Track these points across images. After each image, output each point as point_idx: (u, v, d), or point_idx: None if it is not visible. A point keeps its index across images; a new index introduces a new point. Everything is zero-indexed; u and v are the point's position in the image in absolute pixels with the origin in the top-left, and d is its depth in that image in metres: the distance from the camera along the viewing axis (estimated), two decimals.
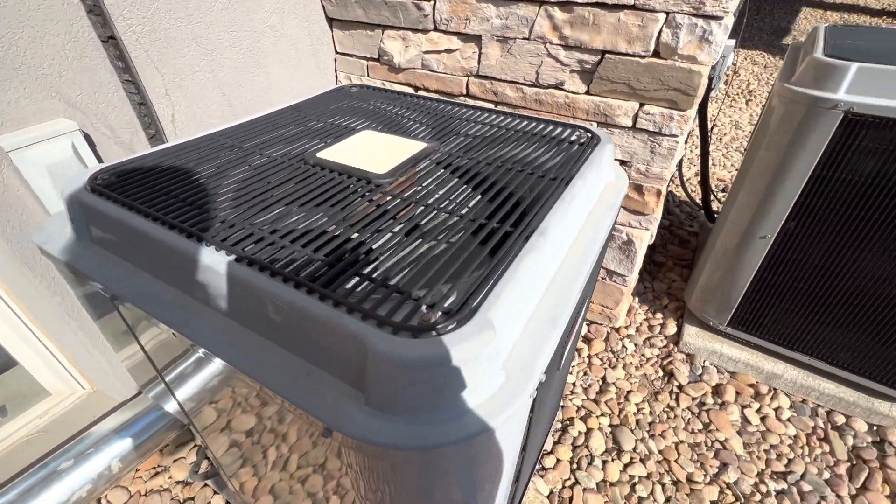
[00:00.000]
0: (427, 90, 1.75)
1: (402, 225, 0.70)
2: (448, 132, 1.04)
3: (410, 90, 1.80)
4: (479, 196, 0.78)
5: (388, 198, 0.77)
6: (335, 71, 1.96)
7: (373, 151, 0.90)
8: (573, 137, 1.01)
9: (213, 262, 0.60)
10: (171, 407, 1.29)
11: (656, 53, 1.28)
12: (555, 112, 1.50)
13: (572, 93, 1.45)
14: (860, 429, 1.61)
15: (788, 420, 1.64)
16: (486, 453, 0.52)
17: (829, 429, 1.62)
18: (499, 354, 0.53)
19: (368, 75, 1.88)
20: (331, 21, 1.83)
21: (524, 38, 1.43)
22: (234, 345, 0.59)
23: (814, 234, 1.42)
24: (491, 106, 1.64)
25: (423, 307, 0.53)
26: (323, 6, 1.78)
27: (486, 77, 1.58)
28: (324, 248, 0.63)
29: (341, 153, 0.89)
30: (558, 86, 1.46)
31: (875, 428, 1.61)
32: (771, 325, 1.66)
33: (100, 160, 1.25)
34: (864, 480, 1.47)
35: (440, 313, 0.53)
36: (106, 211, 0.71)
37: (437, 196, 0.78)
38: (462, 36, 1.55)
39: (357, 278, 0.57)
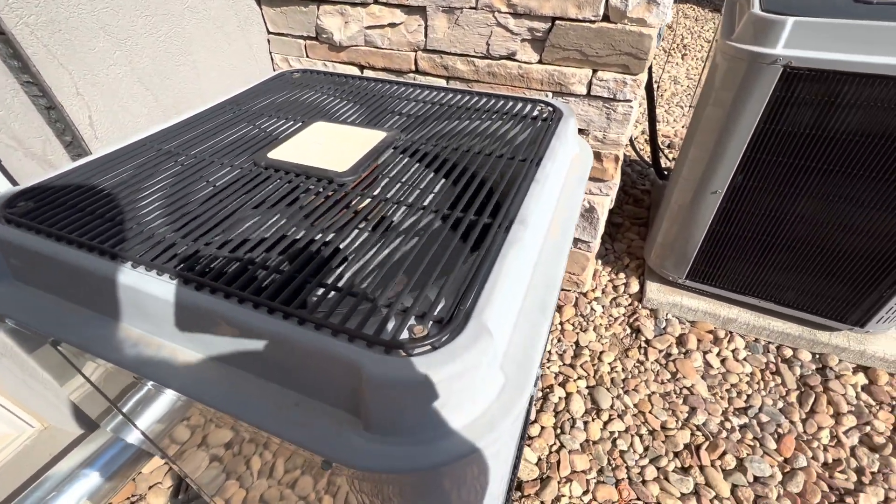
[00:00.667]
0: (373, 68, 1.66)
1: (372, 227, 0.65)
2: (405, 117, 0.98)
3: (356, 70, 1.69)
4: (450, 186, 0.74)
5: (355, 198, 0.72)
6: (270, 53, 1.81)
7: (329, 146, 0.83)
8: (535, 113, 0.98)
9: (162, 290, 0.53)
10: (134, 437, 1.20)
11: (606, 18, 1.26)
12: (509, 84, 1.47)
13: (525, 63, 1.41)
14: (805, 359, 1.76)
15: (744, 359, 1.77)
16: (494, 456, 0.50)
17: (779, 362, 1.76)
18: (496, 357, 0.51)
19: (307, 56, 1.75)
20: None
21: (471, 8, 1.37)
22: (203, 381, 0.54)
23: (760, 186, 1.50)
24: (443, 82, 1.57)
25: (413, 319, 0.50)
26: None
27: (434, 51, 1.51)
28: (290, 261, 0.58)
29: (295, 151, 0.82)
30: (510, 56, 1.42)
31: (818, 356, 1.77)
32: (725, 274, 1.76)
33: (11, 180, 1.10)
34: (812, 404, 1.63)
35: (431, 323, 0.50)
36: (27, 244, 0.62)
37: (405, 191, 0.73)
38: (405, 8, 1.47)
39: (334, 292, 0.53)
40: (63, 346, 0.66)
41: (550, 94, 1.44)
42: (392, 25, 1.52)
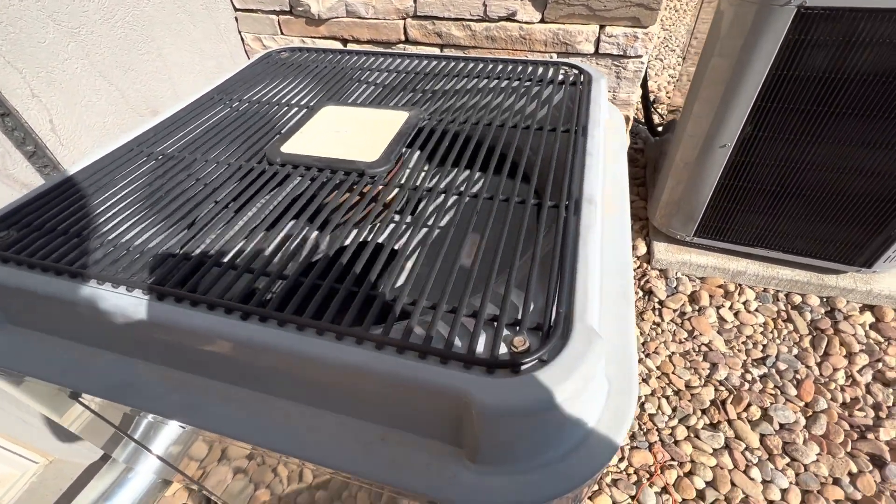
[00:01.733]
0: (358, 41, 1.53)
1: (427, 224, 0.58)
2: (419, 92, 0.88)
3: (338, 45, 1.56)
4: (494, 167, 0.67)
5: (393, 191, 0.64)
6: (239, 32, 1.65)
7: (349, 133, 0.74)
8: (560, 77, 0.90)
9: (201, 323, 0.45)
10: (149, 464, 1.13)
11: None
12: (510, 48, 1.37)
13: (526, 23, 1.31)
14: (814, 304, 1.79)
15: (756, 310, 1.79)
16: (605, 465, 0.45)
17: (789, 309, 1.79)
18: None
19: (282, 32, 1.60)
20: None
21: None
22: (262, 423, 0.46)
23: (771, 136, 1.46)
24: (436, 51, 1.46)
25: (504, 330, 0.44)
26: None
27: (425, 17, 1.39)
28: (342, 275, 0.50)
29: (310, 141, 0.72)
30: (510, 17, 1.31)
31: (826, 300, 1.80)
32: (735, 227, 1.74)
33: None
34: (825, 347, 1.66)
35: (526, 332, 0.43)
36: (24, 283, 0.52)
37: (446, 178, 0.65)
38: None
39: (411, 304, 0.46)
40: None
41: (555, 56, 1.35)
42: None
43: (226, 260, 0.52)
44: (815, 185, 1.52)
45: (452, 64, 0.98)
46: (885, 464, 1.38)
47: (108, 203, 0.64)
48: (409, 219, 0.59)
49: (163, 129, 0.80)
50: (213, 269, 0.51)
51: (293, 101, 0.87)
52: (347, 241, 0.55)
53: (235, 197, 0.64)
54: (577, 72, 0.91)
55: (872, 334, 1.70)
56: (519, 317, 0.45)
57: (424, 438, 0.44)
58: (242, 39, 1.66)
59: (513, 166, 0.66)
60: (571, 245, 0.51)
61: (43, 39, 1.08)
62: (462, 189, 0.62)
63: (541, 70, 0.93)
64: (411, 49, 1.48)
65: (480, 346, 0.43)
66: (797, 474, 1.38)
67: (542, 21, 1.30)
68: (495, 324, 0.44)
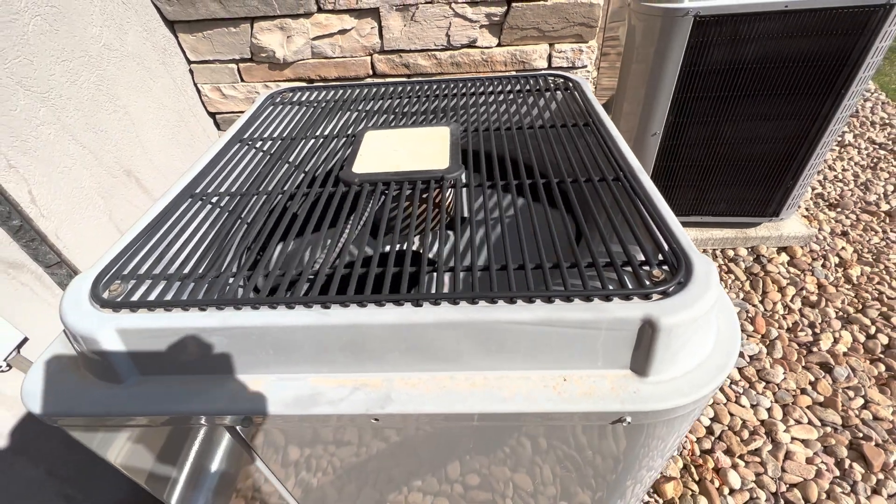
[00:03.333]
0: (325, 80, 1.59)
1: (530, 202, 0.67)
2: (440, 112, 0.98)
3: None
4: (549, 160, 0.78)
5: (483, 187, 0.72)
6: (195, 85, 1.62)
7: (406, 150, 0.81)
8: (552, 85, 1.05)
9: (392, 317, 0.50)
10: None
11: None
12: (474, 70, 1.52)
13: (486, 48, 1.48)
14: (744, 254, 2.14)
15: None
16: (731, 368, 0.56)
17: (727, 262, 2.11)
18: None
19: (242, 80, 1.61)
20: (172, 25, 1.49)
21: (427, 3, 1.39)
22: (457, 396, 0.51)
23: (690, 121, 1.77)
24: (405, 79, 1.57)
25: (640, 269, 0.54)
26: (157, 8, 1.43)
27: (392, 51, 1.50)
28: (491, 252, 0.57)
29: (373, 161, 0.78)
30: (472, 44, 1.47)
31: (751, 249, 2.16)
32: (674, 202, 2.04)
33: None
34: (762, 287, 1.98)
35: (657, 265, 0.54)
36: (163, 325, 0.52)
37: (512, 174, 0.75)
38: (355, 12, 1.43)
39: (570, 265, 0.54)
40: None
41: (514, 73, 1.53)
42: (342, 32, 1.47)
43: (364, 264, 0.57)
44: (730, 156, 1.86)
45: (452, 85, 1.09)
46: (832, 368, 1.69)
47: (200, 243, 0.64)
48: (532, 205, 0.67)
49: (204, 179, 0.80)
50: (367, 269, 0.55)
51: (327, 133, 0.92)
52: (478, 232, 0.62)
53: (335, 216, 0.68)
54: (562, 79, 1.07)
55: (791, 269, 2.07)
56: (641, 258, 0.56)
57: (597, 370, 0.52)
58: (199, 91, 1.64)
59: (571, 154, 0.78)
60: (648, 202, 0.64)
61: (14, 107, 1.01)
62: (536, 179, 0.72)
63: (532, 81, 1.07)
64: (400, 79, 1.57)
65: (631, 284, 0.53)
66: (774, 393, 1.63)
67: (500, 45, 1.47)
68: (627, 268, 0.55)
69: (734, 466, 1.45)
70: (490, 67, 1.51)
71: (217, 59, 1.56)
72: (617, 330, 0.49)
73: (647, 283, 0.52)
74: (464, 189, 0.73)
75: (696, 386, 0.50)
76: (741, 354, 1.73)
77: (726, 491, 1.40)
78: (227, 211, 0.73)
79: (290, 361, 0.53)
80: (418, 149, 0.81)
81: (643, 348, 0.50)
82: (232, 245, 0.65)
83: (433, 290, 0.53)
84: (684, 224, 2.15)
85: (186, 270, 0.60)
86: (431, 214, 0.67)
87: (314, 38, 1.48)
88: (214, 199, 0.75)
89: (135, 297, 0.55)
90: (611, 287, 0.51)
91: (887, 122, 3.22)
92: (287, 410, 0.51)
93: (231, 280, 0.57)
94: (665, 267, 0.55)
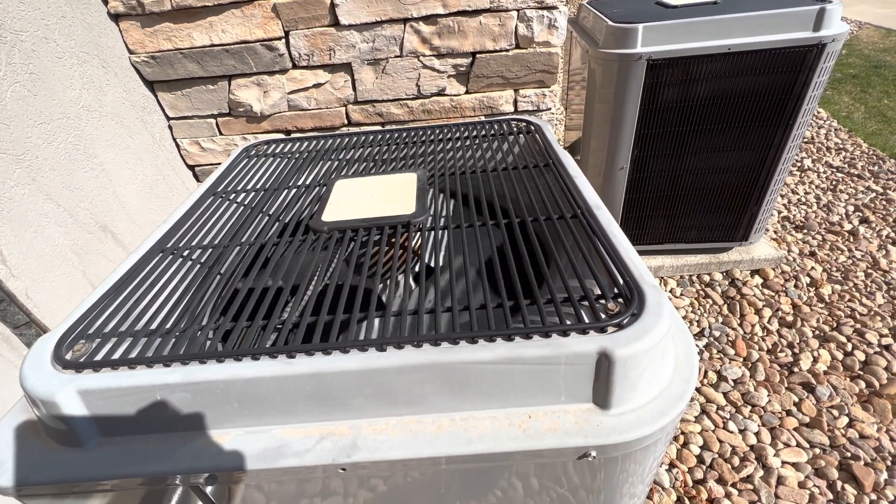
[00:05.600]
0: (301, 131, 1.64)
1: (487, 247, 0.69)
2: (409, 158, 1.03)
3: (281, 136, 1.65)
4: (511, 200, 0.82)
5: (441, 230, 0.75)
6: (174, 140, 1.66)
7: (374, 196, 0.84)
8: (515, 129, 1.11)
9: (353, 363, 0.50)
10: None
11: (518, 45, 1.47)
12: (444, 117, 1.59)
13: (455, 95, 1.56)
14: (719, 278, 2.19)
15: (682, 295, 2.13)
16: (692, 392, 0.58)
17: (704, 287, 2.16)
18: None
19: (221, 133, 1.66)
20: (151, 85, 1.54)
21: (397, 56, 1.47)
22: (423, 439, 0.52)
23: (654, 154, 1.86)
24: (378, 128, 1.63)
25: (596, 302, 0.56)
26: (137, 69, 1.49)
27: (366, 102, 1.57)
28: (467, 296, 0.59)
29: (343, 209, 0.81)
30: (441, 93, 1.55)
31: (726, 273, 2.21)
32: (646, 232, 2.10)
33: None
34: (740, 310, 2.02)
35: (611, 299, 0.57)
36: (125, 384, 0.51)
37: (475, 214, 0.78)
38: (328, 67, 1.50)
39: (528, 301, 0.56)
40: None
41: (483, 118, 1.61)
42: (317, 86, 1.54)
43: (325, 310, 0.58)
44: (694, 186, 1.94)
45: (421, 133, 1.15)
46: (814, 388, 1.71)
47: (169, 298, 0.65)
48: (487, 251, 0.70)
49: (177, 232, 0.82)
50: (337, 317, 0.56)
51: (300, 183, 0.95)
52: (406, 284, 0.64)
53: (304, 265, 0.69)
54: (524, 123, 1.13)
55: (766, 291, 2.12)
56: (597, 293, 0.58)
57: (561, 405, 0.53)
58: (178, 146, 1.68)
59: (530, 194, 0.82)
60: (603, 237, 0.67)
61: None
62: (498, 218, 0.75)
63: (496, 126, 1.13)
64: (354, 130, 1.63)
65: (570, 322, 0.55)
66: (760, 416, 1.63)
67: (468, 92, 1.55)
68: (584, 303, 0.57)
69: (727, 496, 1.43)
70: (460, 113, 1.58)
71: (196, 114, 1.60)
72: (575, 364, 0.50)
73: (603, 316, 0.54)
74: (430, 232, 0.76)
75: (658, 415, 0.51)
76: (725, 378, 1.74)
77: None
78: (199, 264, 0.75)
79: (256, 413, 0.53)
80: (386, 195, 0.84)
81: (602, 380, 0.51)
82: (200, 298, 0.65)
83: (399, 334, 0.54)
84: (658, 252, 2.21)
85: (154, 326, 0.60)
86: (398, 258, 0.69)
87: (290, 92, 1.54)
88: (186, 253, 0.76)
89: (98, 357, 0.55)
90: (568, 322, 0.53)
91: (841, 146, 3.41)
92: (252, 465, 0.51)
93: (198, 333, 0.58)
94: (620, 300, 0.57)
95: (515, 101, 1.56)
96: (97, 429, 0.54)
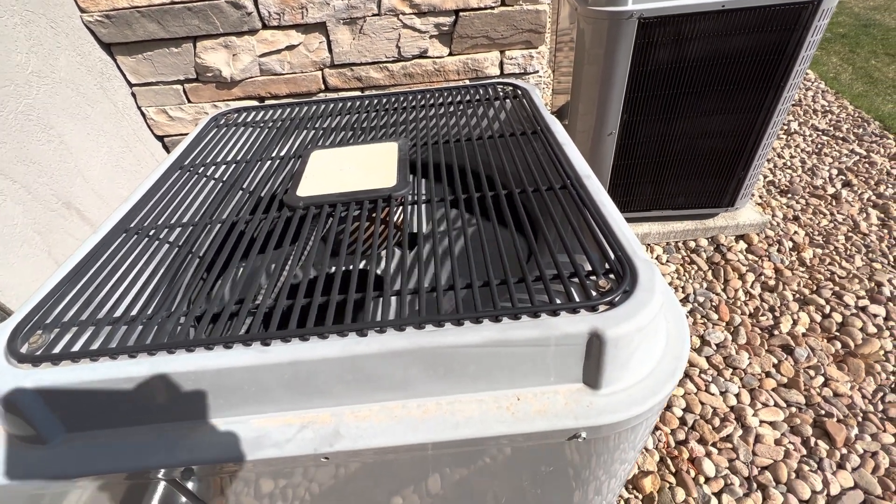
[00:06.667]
0: (276, 97, 1.55)
1: (477, 218, 0.66)
2: (389, 126, 0.97)
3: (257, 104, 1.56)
4: (497, 170, 0.78)
5: (436, 203, 0.71)
6: (139, 108, 1.56)
7: (352, 169, 0.79)
8: (501, 94, 1.05)
9: (331, 350, 0.48)
10: None
11: (504, 3, 1.38)
12: (427, 81, 1.52)
13: (438, 58, 1.47)
14: (704, 244, 2.20)
15: (667, 262, 2.14)
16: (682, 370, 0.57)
17: (689, 253, 2.17)
18: None
19: (189, 101, 1.56)
20: (109, 48, 1.43)
21: (374, 15, 1.38)
22: (410, 425, 0.50)
23: (643, 119, 1.81)
24: (356, 94, 1.55)
25: (586, 279, 0.54)
26: (91, 30, 1.37)
27: (343, 65, 1.48)
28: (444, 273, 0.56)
29: (319, 182, 0.76)
30: (423, 54, 1.47)
31: (711, 239, 2.22)
32: (634, 199, 2.08)
33: None
34: (724, 275, 2.05)
35: (602, 275, 0.54)
36: (86, 379, 0.48)
37: (459, 187, 0.74)
38: (301, 27, 1.40)
39: (517, 280, 0.54)
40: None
41: (468, 81, 1.53)
42: (290, 48, 1.44)
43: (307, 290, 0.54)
44: (683, 151, 1.91)
45: (402, 98, 1.08)
46: (793, 350, 1.75)
47: (134, 282, 0.61)
48: (476, 221, 0.66)
49: (140, 210, 0.76)
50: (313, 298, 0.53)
51: (274, 154, 0.89)
52: (390, 261, 0.60)
53: (277, 245, 0.65)
54: (511, 87, 1.08)
55: (750, 256, 2.14)
56: (588, 268, 0.56)
57: (550, 385, 0.51)
58: (143, 114, 1.57)
59: (518, 164, 0.78)
60: (594, 209, 0.64)
61: None
62: (484, 191, 0.72)
63: (482, 91, 1.07)
64: (332, 96, 1.55)
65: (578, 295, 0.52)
66: (741, 378, 1.68)
67: (451, 54, 1.47)
68: (574, 280, 0.54)
69: (708, 455, 1.48)
70: (443, 77, 1.50)
71: (160, 80, 1.50)
72: (565, 345, 0.48)
73: (594, 293, 0.52)
74: (412, 206, 0.72)
75: (649, 393, 0.50)
76: (708, 343, 1.78)
77: (702, 480, 1.43)
78: (167, 244, 0.70)
79: (231, 404, 0.50)
80: (365, 167, 0.79)
81: (593, 361, 0.49)
82: (168, 282, 0.61)
83: (380, 317, 0.51)
84: (646, 219, 2.20)
85: (118, 313, 0.56)
86: (379, 235, 0.65)
87: (261, 56, 1.44)
88: (151, 233, 0.71)
89: (57, 349, 0.51)
90: (558, 301, 0.50)
91: (828, 109, 3.40)
92: (231, 457, 0.49)
93: (167, 320, 0.54)
94: (611, 275, 0.55)
95: (501, 64, 1.49)
96: (62, 424, 0.51)
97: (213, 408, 0.50)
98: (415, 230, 0.69)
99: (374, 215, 0.69)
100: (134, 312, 0.56)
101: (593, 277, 0.55)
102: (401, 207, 0.72)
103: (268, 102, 1.36)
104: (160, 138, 1.64)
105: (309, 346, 0.48)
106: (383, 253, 0.63)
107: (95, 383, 0.48)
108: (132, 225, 0.72)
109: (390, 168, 0.77)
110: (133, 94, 1.53)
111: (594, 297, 0.51)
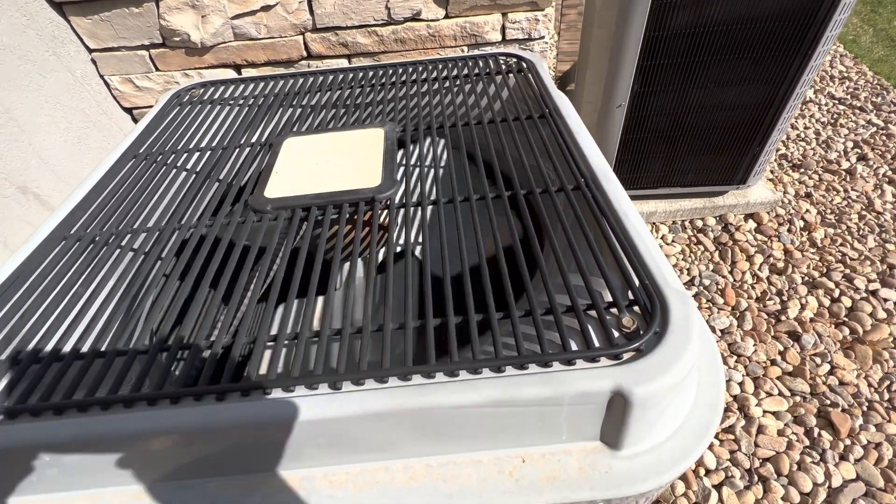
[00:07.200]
0: (254, 65, 1.40)
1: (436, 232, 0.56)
2: (374, 105, 0.85)
3: (232, 73, 1.41)
4: (498, 166, 0.67)
5: (413, 210, 0.60)
6: (101, 77, 1.41)
7: (330, 162, 0.68)
8: (503, 67, 0.93)
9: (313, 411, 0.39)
10: None
11: None
12: (421, 48, 1.37)
13: (432, 20, 1.32)
14: (712, 223, 2.11)
15: (673, 241, 2.05)
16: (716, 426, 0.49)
17: (696, 233, 2.08)
18: None
19: (157, 69, 1.40)
20: (60, 7, 1.26)
21: None
22: (394, 490, 0.42)
23: (656, 90, 1.67)
24: (345, 62, 1.40)
25: (607, 315, 0.45)
26: None
27: (327, 28, 1.32)
28: (436, 309, 0.47)
29: (293, 180, 0.65)
30: (415, 17, 1.31)
31: (719, 217, 2.13)
32: (641, 175, 1.97)
33: None
34: (731, 257, 1.96)
35: (626, 309, 0.45)
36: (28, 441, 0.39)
37: (454, 185, 0.64)
38: None
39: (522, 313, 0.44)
40: None
41: (466, 49, 1.38)
42: (266, 8, 1.28)
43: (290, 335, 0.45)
44: (697, 125, 1.78)
45: (391, 71, 0.95)
46: (800, 336, 1.70)
47: (68, 310, 0.51)
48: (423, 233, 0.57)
49: (84, 212, 0.66)
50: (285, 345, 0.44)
51: (241, 142, 0.78)
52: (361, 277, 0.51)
53: (239, 263, 0.55)
54: (515, 59, 0.94)
55: (759, 236, 2.05)
56: (608, 299, 0.46)
57: (562, 444, 0.43)
58: (107, 84, 1.42)
59: (524, 158, 0.67)
60: (614, 220, 0.54)
61: None
62: (483, 192, 0.61)
63: (481, 63, 0.94)
64: (316, 65, 1.40)
65: (573, 346, 0.43)
66: (745, 367, 1.63)
67: (447, 17, 1.32)
68: (589, 312, 0.45)
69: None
70: (438, 42, 1.35)
71: (122, 45, 1.34)
72: (582, 405, 0.39)
73: (616, 334, 0.43)
74: (399, 210, 0.61)
75: (679, 455, 0.42)
76: (713, 329, 1.72)
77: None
78: (116, 250, 0.60)
79: (177, 467, 0.42)
80: (346, 159, 0.68)
81: (614, 420, 0.41)
82: (100, 310, 0.52)
83: (358, 359, 0.42)
84: (652, 197, 2.09)
85: (30, 348, 0.47)
86: (359, 248, 0.56)
87: (234, 18, 1.28)
88: (96, 239, 0.61)
89: None
90: (573, 344, 0.41)
91: (846, 75, 3.22)
92: None
93: (78, 363, 0.45)
94: (636, 307, 0.46)
95: (504, 28, 1.34)
96: None
97: (153, 471, 0.42)
98: (399, 243, 0.59)
99: (355, 217, 0.59)
100: (49, 348, 0.47)
101: (614, 310, 0.45)
102: (386, 211, 0.61)
103: (239, 76, 1.22)
104: (128, 111, 1.49)
105: (270, 405, 0.39)
106: (362, 273, 0.53)
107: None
108: (72, 231, 0.61)
109: (375, 162, 0.66)
110: (93, 62, 1.37)
111: (617, 340, 0.42)
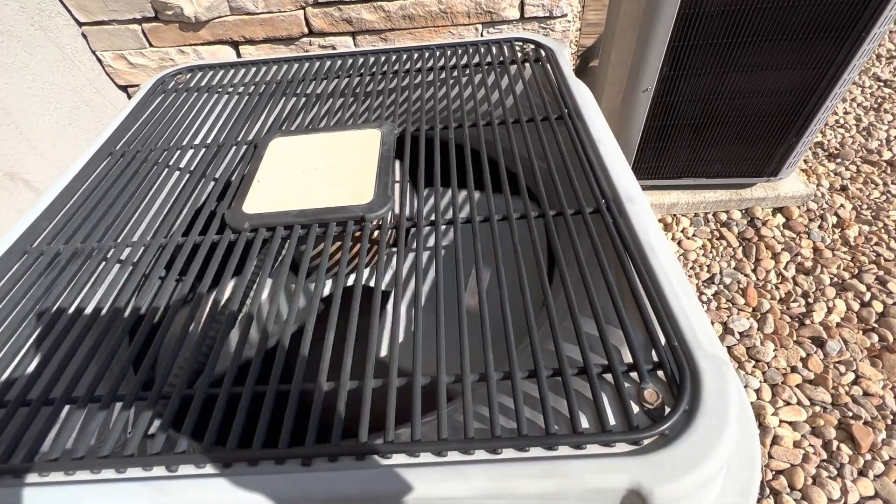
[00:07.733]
0: (252, 42, 1.31)
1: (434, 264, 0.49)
2: (371, 96, 0.76)
3: (230, 50, 1.32)
4: (509, 177, 0.59)
5: (406, 231, 0.53)
6: (93, 53, 1.33)
7: (318, 170, 0.61)
8: (518, 55, 0.83)
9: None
10: None
11: None
12: (431, 25, 1.25)
13: None
14: (737, 217, 1.99)
15: (694, 235, 1.94)
16: None
17: (719, 227, 1.97)
18: None
19: (151, 45, 1.32)
20: None
21: None
22: None
23: (689, 73, 1.53)
24: (349, 40, 1.30)
25: (625, 381, 0.38)
26: None
27: (329, 3, 1.22)
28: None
29: (276, 192, 0.58)
30: None
31: (745, 211, 2.00)
32: (664, 164, 1.85)
33: None
34: (755, 254, 1.86)
35: (648, 375, 0.38)
36: None
37: (457, 201, 0.56)
38: None
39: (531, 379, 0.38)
40: None
41: (480, 27, 1.27)
42: None
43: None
44: (729, 112, 1.64)
45: (394, 57, 0.86)
46: (824, 342, 1.61)
47: (23, 338, 0.46)
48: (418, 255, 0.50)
49: (50, 219, 0.60)
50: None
51: (223, 140, 0.70)
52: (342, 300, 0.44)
53: (213, 283, 0.49)
54: (533, 46, 0.84)
55: (787, 232, 1.93)
56: (628, 359, 0.39)
57: None
58: (100, 60, 1.35)
59: (535, 169, 0.59)
60: (638, 255, 0.46)
61: None
62: (488, 213, 0.54)
63: (494, 50, 0.84)
64: (318, 42, 1.30)
65: (583, 420, 0.37)
66: (763, 373, 1.56)
67: None
68: (604, 376, 0.38)
69: None
70: (450, 20, 1.24)
71: (113, 19, 1.26)
72: (592, 501, 0.33)
73: (635, 408, 0.36)
74: (391, 231, 0.54)
75: None
76: (731, 331, 1.64)
77: None
78: (78, 262, 0.54)
79: None
80: (337, 166, 0.61)
81: None
82: (53, 347, 0.46)
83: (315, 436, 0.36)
84: (675, 187, 1.97)
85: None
86: (346, 265, 0.49)
87: None
88: (58, 254, 0.55)
89: None
90: (585, 426, 0.35)
91: (894, 54, 2.96)
92: None
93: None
94: (660, 373, 0.39)
95: (522, 5, 1.22)
96: None
97: None
98: (383, 275, 0.52)
99: (343, 234, 0.52)
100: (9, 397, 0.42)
101: (634, 375, 0.39)
102: (378, 231, 0.54)
103: (236, 59, 1.13)
104: (123, 88, 1.42)
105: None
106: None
107: None
108: (34, 244, 0.56)
109: (368, 171, 0.59)
110: (84, 36, 1.30)
111: (636, 419, 0.35)
